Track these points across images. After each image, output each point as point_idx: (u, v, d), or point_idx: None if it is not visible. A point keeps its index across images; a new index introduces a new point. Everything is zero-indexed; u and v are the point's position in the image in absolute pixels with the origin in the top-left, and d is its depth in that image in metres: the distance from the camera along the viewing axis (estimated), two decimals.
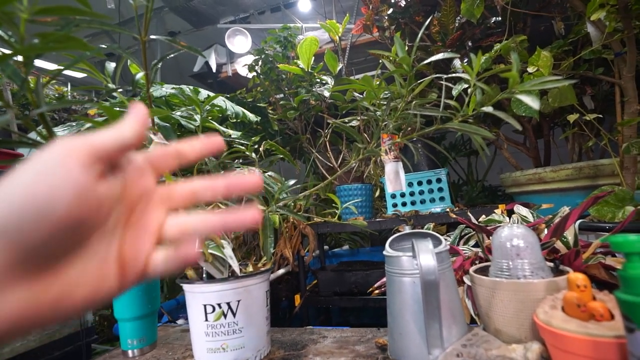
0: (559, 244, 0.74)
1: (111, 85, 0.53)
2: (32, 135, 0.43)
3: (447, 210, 1.44)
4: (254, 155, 0.64)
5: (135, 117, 0.23)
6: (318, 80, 1.87)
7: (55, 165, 0.18)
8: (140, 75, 0.46)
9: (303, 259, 1.58)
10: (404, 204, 1.57)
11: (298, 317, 1.60)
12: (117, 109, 0.59)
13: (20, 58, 0.34)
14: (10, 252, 0.17)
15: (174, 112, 0.95)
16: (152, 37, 0.47)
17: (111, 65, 0.55)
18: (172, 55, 0.50)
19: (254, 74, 2.06)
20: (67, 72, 0.45)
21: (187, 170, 1.24)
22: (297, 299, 1.59)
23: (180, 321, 1.23)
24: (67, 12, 0.32)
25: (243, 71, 2.93)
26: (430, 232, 0.58)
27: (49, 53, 0.34)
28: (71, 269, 0.20)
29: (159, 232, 0.23)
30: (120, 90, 0.49)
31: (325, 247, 2.14)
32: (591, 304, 0.40)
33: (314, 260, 1.87)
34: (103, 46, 0.45)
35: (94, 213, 0.20)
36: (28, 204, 0.17)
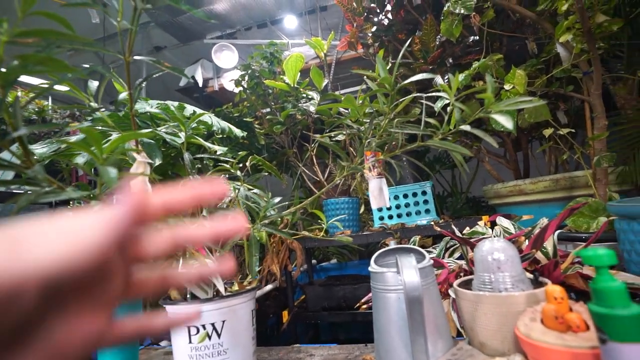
0: (539, 255, 0.76)
1: (93, 104, 0.53)
2: (5, 155, 0.41)
3: (433, 222, 1.46)
4: (239, 173, 0.65)
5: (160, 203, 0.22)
6: (304, 95, 1.90)
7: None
8: (124, 94, 0.46)
9: (291, 274, 1.56)
10: (390, 217, 1.58)
11: (286, 333, 1.57)
12: (99, 127, 0.59)
13: None
14: None
15: (158, 129, 0.94)
16: (136, 57, 0.48)
17: (94, 84, 0.55)
18: (157, 75, 0.51)
19: (241, 88, 2.08)
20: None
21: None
22: (285, 315, 1.56)
23: (163, 343, 1.19)
24: (49, 34, 0.32)
25: (229, 86, 2.95)
26: (414, 247, 0.58)
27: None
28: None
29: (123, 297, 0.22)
30: (103, 109, 0.49)
31: (313, 261, 2.12)
32: (568, 316, 0.41)
33: (301, 274, 1.85)
34: (85, 66, 0.45)
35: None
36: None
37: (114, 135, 0.82)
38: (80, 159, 0.85)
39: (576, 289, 0.67)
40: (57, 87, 0.45)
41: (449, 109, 0.55)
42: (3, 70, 0.29)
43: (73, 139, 0.71)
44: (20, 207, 0.31)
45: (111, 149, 0.32)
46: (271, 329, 1.76)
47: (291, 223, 1.58)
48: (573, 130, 1.14)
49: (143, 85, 0.51)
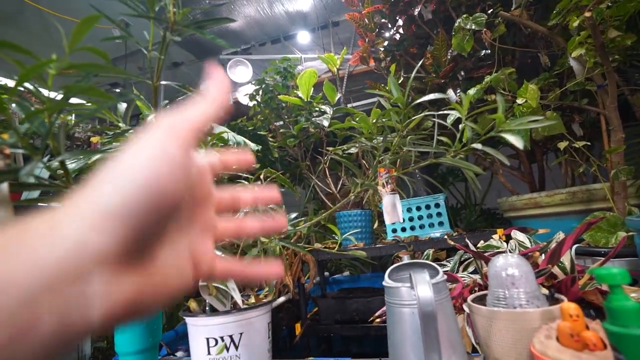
0: (556, 270, 0.76)
1: (122, 125, 0.56)
2: (43, 173, 0.45)
3: (446, 235, 1.45)
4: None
5: (218, 89, 0.24)
6: (317, 109, 1.93)
7: (165, 148, 0.19)
8: (152, 117, 0.49)
9: (303, 286, 1.56)
10: (403, 230, 1.58)
11: (298, 346, 1.57)
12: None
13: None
14: (128, 236, 0.17)
15: None
16: (163, 82, 0.51)
17: (123, 106, 0.58)
18: (181, 98, 0.54)
19: (255, 102, 2.13)
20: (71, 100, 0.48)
21: None
22: (298, 328, 1.56)
23: (179, 353, 1.21)
24: (91, 68, 0.35)
25: (244, 100, 3.02)
26: (428, 262, 0.59)
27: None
28: (163, 259, 0.20)
29: (215, 233, 0.25)
30: (131, 130, 0.52)
31: (326, 273, 2.12)
32: (584, 334, 0.41)
33: (314, 287, 1.85)
34: (117, 90, 0.49)
35: (186, 196, 0.20)
36: (149, 186, 0.17)
37: None
38: None
39: (595, 305, 0.66)
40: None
41: (460, 126, 0.57)
42: (52, 100, 0.32)
43: (98, 155, 0.75)
44: None
45: None
46: (284, 341, 1.76)
47: (304, 235, 1.59)
48: (589, 143, 1.13)
49: (167, 106, 0.55)
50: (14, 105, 0.33)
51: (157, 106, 0.53)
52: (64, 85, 0.35)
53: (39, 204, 0.81)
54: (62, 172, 0.39)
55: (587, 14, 0.85)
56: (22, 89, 0.34)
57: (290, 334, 1.72)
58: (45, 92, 0.36)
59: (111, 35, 0.42)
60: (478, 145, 0.50)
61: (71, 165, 0.83)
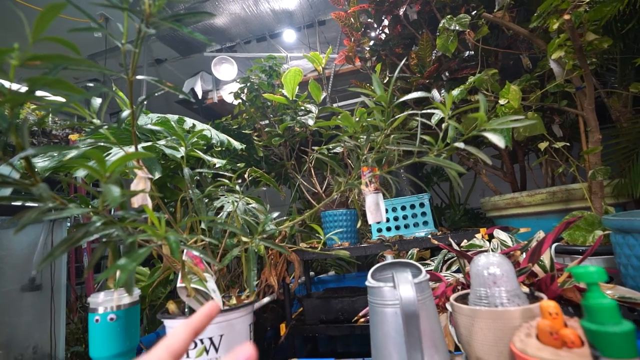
0: (536, 268, 0.77)
1: (96, 121, 0.54)
2: (5, 169, 0.42)
3: (430, 234, 1.46)
4: (237, 187, 0.65)
5: (198, 318, 0.29)
6: (302, 108, 1.92)
7: None
8: (127, 113, 0.47)
9: (288, 286, 1.55)
10: (388, 229, 1.59)
11: (284, 347, 1.56)
12: (102, 143, 0.60)
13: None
14: None
15: (158, 142, 0.96)
16: (139, 77, 0.49)
17: (97, 101, 0.56)
18: (159, 93, 0.52)
19: (240, 101, 2.10)
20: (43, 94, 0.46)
21: (171, 199, 1.22)
22: (283, 328, 1.55)
23: None
24: (58, 59, 0.33)
25: (229, 98, 2.99)
26: (411, 262, 0.59)
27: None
28: None
29: None
30: (106, 126, 0.50)
31: (311, 273, 2.11)
32: (563, 332, 0.41)
33: (299, 287, 1.84)
34: (90, 85, 0.47)
35: None
36: None
37: (115, 150, 0.83)
38: (80, 172, 0.86)
39: (573, 303, 0.67)
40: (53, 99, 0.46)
41: (443, 125, 0.57)
42: (14, 92, 0.30)
43: (73, 152, 0.71)
44: (26, 224, 0.32)
45: (114, 167, 0.33)
46: (269, 342, 1.74)
47: (289, 235, 1.58)
48: (568, 144, 1.16)
49: (145, 102, 0.53)
50: None
51: (133, 102, 0.51)
52: (26, 78, 0.33)
53: (11, 202, 0.77)
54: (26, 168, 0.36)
55: (566, 17, 0.86)
56: None
57: (275, 334, 1.71)
58: (7, 84, 0.33)
59: (72, 29, 0.40)
60: (461, 144, 0.50)
61: (43, 163, 0.79)
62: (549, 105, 1.21)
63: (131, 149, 0.67)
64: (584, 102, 1.05)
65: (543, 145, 1.19)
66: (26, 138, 0.33)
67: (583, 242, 0.91)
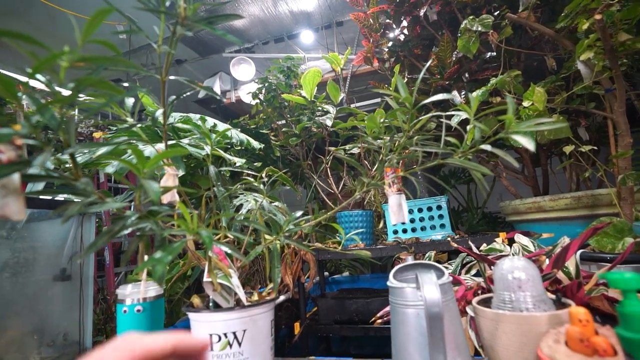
0: (561, 275, 0.75)
1: (130, 120, 0.56)
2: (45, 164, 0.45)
3: (448, 237, 1.44)
4: (262, 186, 0.67)
5: (183, 341, 0.28)
6: (320, 108, 1.93)
7: None
8: (160, 112, 0.49)
9: (303, 285, 1.56)
10: (404, 231, 1.58)
11: (297, 345, 1.57)
12: (133, 140, 0.62)
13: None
14: None
15: (182, 141, 0.98)
16: (171, 77, 0.51)
17: (130, 101, 0.58)
18: (188, 93, 0.54)
19: (257, 101, 2.13)
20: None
21: (190, 197, 1.25)
22: (297, 327, 1.56)
23: None
24: (102, 61, 0.35)
25: (246, 98, 3.03)
26: (433, 263, 0.59)
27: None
28: None
29: None
30: (139, 125, 0.52)
31: (326, 273, 2.12)
32: (594, 339, 0.40)
33: (314, 287, 1.85)
34: (125, 85, 0.49)
35: None
36: None
37: (142, 147, 0.86)
38: (110, 169, 0.90)
39: (601, 311, 0.65)
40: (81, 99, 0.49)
41: (468, 127, 0.56)
42: (64, 93, 0.31)
43: (103, 148, 0.74)
44: (70, 215, 0.34)
45: (153, 163, 0.34)
46: (282, 340, 1.75)
47: (305, 235, 1.59)
48: (595, 148, 1.13)
49: (175, 102, 0.54)
50: (24, 97, 0.33)
51: (164, 101, 0.53)
52: (73, 78, 0.35)
53: (42, 196, 0.81)
54: (70, 165, 0.38)
55: (598, 17, 0.84)
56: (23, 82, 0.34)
57: (289, 333, 1.72)
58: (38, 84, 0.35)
59: (115, 31, 0.42)
60: (487, 147, 0.49)
61: (77, 158, 0.82)
62: (575, 107, 1.18)
63: (159, 147, 0.70)
64: (614, 104, 1.01)
65: (568, 149, 1.15)
66: (73, 135, 0.34)
67: (612, 249, 0.88)
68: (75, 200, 0.38)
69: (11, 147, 0.29)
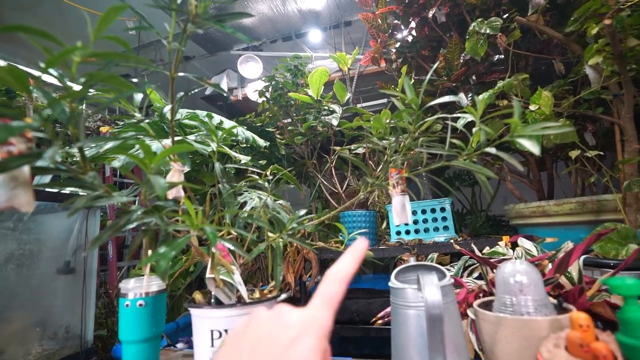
0: (563, 280, 0.75)
1: (138, 115, 0.57)
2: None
3: (451, 240, 1.44)
4: (266, 184, 0.67)
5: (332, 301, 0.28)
6: (326, 107, 1.93)
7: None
8: (168, 108, 0.50)
9: (305, 284, 1.57)
10: (407, 232, 1.57)
11: None
12: (148, 141, 0.63)
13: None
14: None
15: (188, 137, 0.99)
16: (180, 74, 0.51)
17: (138, 96, 0.59)
18: (196, 90, 0.54)
19: (264, 99, 2.14)
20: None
21: (195, 193, 1.26)
22: None
23: (179, 345, 1.22)
24: (114, 56, 0.35)
25: (253, 96, 3.04)
26: (435, 265, 0.59)
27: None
28: None
29: None
30: (147, 121, 0.52)
31: None
32: (594, 345, 0.40)
33: (315, 286, 1.85)
34: (134, 80, 0.49)
35: None
36: None
37: (149, 142, 0.86)
38: (116, 163, 0.91)
39: (603, 317, 0.65)
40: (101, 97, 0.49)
41: (474, 130, 0.56)
42: (76, 88, 0.32)
43: (111, 143, 0.75)
44: (78, 208, 0.34)
45: (160, 158, 0.35)
46: None
47: (307, 233, 1.59)
48: (601, 153, 1.12)
49: (183, 98, 0.55)
50: (35, 90, 0.34)
51: (173, 97, 0.53)
52: (82, 73, 0.35)
53: (48, 189, 0.82)
54: (78, 158, 0.39)
55: (607, 22, 0.83)
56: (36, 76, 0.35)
57: None
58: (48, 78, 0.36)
59: (126, 27, 0.43)
60: (492, 150, 0.49)
61: (85, 152, 0.83)
62: (582, 112, 1.17)
63: (165, 142, 0.70)
64: (622, 109, 1.00)
65: (574, 154, 1.14)
66: (82, 130, 0.35)
67: (615, 255, 0.87)
68: (82, 193, 0.39)
69: (22, 140, 0.30)
